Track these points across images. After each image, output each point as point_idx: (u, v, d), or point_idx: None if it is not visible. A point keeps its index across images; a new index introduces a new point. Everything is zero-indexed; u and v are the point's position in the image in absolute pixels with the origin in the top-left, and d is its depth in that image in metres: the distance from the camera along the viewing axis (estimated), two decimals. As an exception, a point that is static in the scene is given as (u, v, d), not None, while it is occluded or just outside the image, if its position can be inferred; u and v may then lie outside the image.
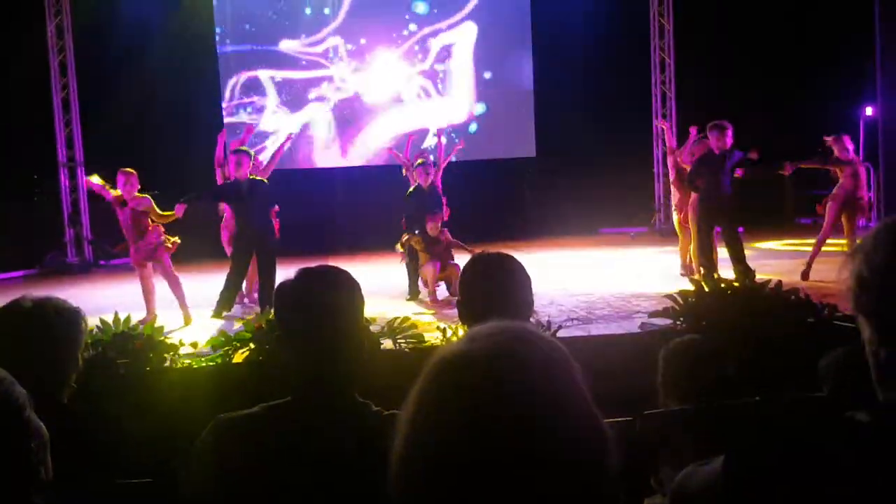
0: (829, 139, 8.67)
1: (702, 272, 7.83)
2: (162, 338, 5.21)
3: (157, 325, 5.54)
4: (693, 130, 9.41)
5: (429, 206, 8.78)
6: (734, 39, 13.39)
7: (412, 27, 14.58)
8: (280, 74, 14.28)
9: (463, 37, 14.70)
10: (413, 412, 0.97)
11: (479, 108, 14.87)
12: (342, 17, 14.23)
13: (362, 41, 14.39)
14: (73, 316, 2.17)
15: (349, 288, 1.83)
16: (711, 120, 8.39)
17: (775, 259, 10.37)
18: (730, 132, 8.15)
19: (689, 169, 8.83)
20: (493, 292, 2.11)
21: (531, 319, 2.22)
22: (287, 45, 14.25)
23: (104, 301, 8.28)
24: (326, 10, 14.18)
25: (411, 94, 14.66)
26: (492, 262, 2.24)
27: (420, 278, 8.75)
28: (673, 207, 9.85)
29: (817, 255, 8.43)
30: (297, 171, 13.86)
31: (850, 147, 8.67)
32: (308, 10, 14.22)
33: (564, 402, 0.95)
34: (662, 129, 11.03)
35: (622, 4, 14.26)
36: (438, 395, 0.96)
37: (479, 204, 11.24)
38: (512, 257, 2.24)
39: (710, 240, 8.39)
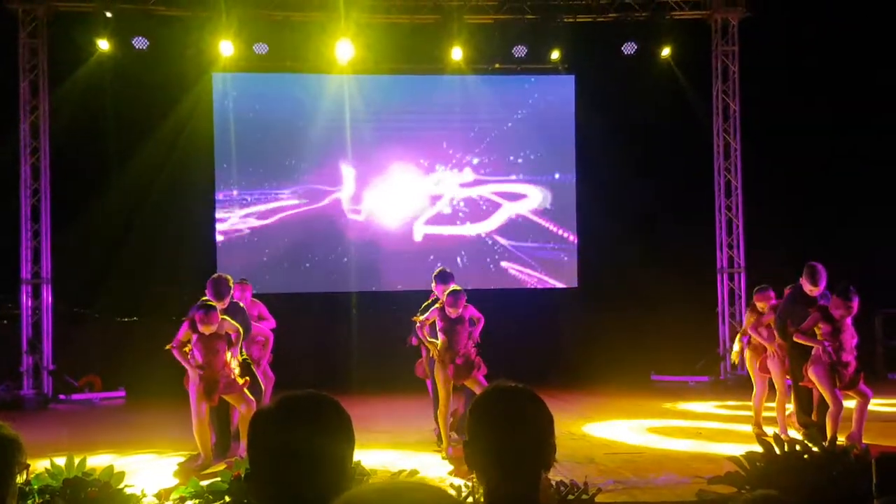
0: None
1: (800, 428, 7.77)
2: (121, 486, 5.17)
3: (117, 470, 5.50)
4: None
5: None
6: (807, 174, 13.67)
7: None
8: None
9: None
10: None
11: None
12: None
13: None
14: (5, 443, 2.15)
15: (334, 421, 1.83)
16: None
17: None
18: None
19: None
20: (505, 429, 2.07)
21: (550, 469, 2.18)
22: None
23: (58, 441, 8.27)
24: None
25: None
26: (510, 394, 2.21)
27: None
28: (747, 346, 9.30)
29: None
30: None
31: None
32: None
33: None
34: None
35: (684, 118, 14.30)
36: None
37: (507, 339, 11.10)
38: (533, 392, 2.22)
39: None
